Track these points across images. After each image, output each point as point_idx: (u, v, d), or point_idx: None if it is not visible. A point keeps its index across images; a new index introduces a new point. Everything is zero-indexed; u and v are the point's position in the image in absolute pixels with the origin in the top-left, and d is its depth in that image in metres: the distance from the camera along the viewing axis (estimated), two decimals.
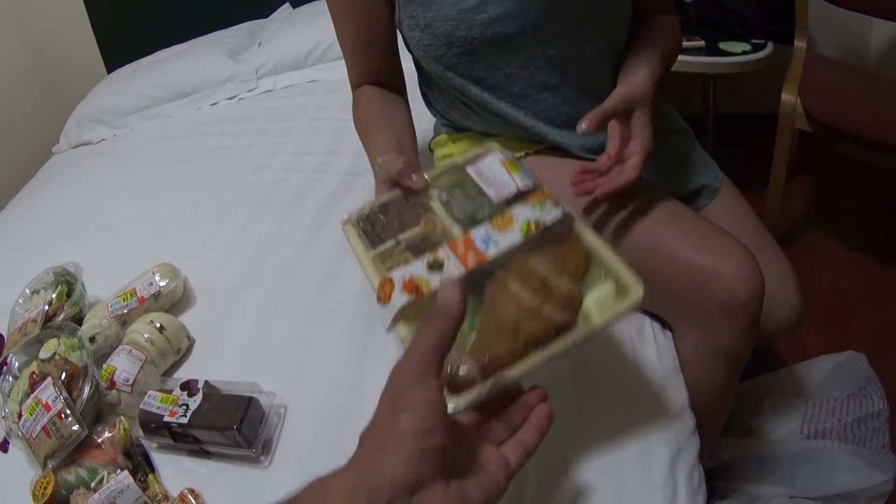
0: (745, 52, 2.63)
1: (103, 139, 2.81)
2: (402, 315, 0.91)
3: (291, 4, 3.27)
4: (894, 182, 2.98)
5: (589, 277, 0.94)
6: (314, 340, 1.35)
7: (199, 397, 1.16)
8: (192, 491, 1.09)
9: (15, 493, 1.16)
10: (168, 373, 1.35)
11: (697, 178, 1.54)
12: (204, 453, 1.16)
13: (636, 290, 0.89)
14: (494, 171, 1.06)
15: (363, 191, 1.81)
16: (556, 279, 0.92)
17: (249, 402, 1.14)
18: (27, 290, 1.56)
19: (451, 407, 0.80)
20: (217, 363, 1.36)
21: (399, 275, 0.93)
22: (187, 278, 1.55)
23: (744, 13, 2.73)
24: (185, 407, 1.15)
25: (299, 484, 1.09)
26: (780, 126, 2.39)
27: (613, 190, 1.20)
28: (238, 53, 2.94)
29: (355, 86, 1.46)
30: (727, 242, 1.22)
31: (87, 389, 1.22)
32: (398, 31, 1.38)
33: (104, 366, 1.27)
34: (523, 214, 0.96)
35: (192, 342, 1.41)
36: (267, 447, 1.15)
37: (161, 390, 1.20)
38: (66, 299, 1.48)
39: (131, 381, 1.24)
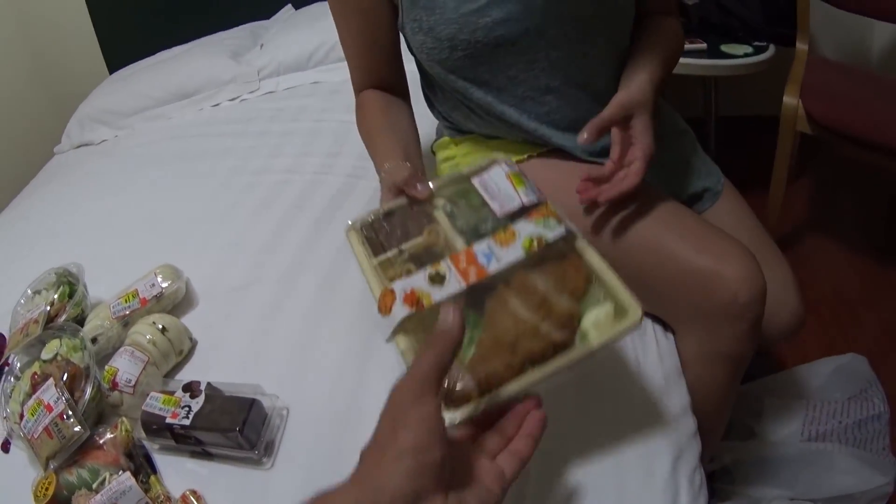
0: (746, 55, 2.63)
1: (105, 140, 2.81)
2: (401, 327, 0.91)
3: (293, 6, 3.27)
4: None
5: (588, 297, 0.94)
6: (317, 342, 1.35)
7: (201, 399, 1.16)
8: (194, 492, 1.09)
9: (16, 494, 1.16)
10: (170, 374, 1.35)
11: (699, 181, 1.55)
12: (206, 455, 1.16)
13: (634, 313, 0.90)
14: (499, 183, 1.06)
15: (365, 193, 1.81)
16: (556, 297, 0.92)
17: (252, 403, 1.14)
18: (29, 291, 1.56)
19: (447, 420, 0.81)
20: (219, 365, 1.36)
21: (400, 286, 0.93)
22: (189, 280, 1.55)
23: (745, 15, 2.73)
24: (187, 408, 1.15)
25: (301, 486, 1.10)
26: (782, 128, 2.39)
27: (617, 195, 1.21)
28: (240, 55, 2.94)
29: (358, 89, 1.46)
30: (729, 245, 1.22)
31: (88, 390, 1.22)
32: (401, 35, 1.38)
33: (106, 367, 1.27)
34: (526, 230, 0.97)
35: (194, 343, 1.41)
36: (269, 449, 1.15)
37: (163, 392, 1.20)
38: (67, 300, 1.48)
39: (133, 383, 1.24)
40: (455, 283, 0.92)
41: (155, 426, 1.16)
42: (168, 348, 1.33)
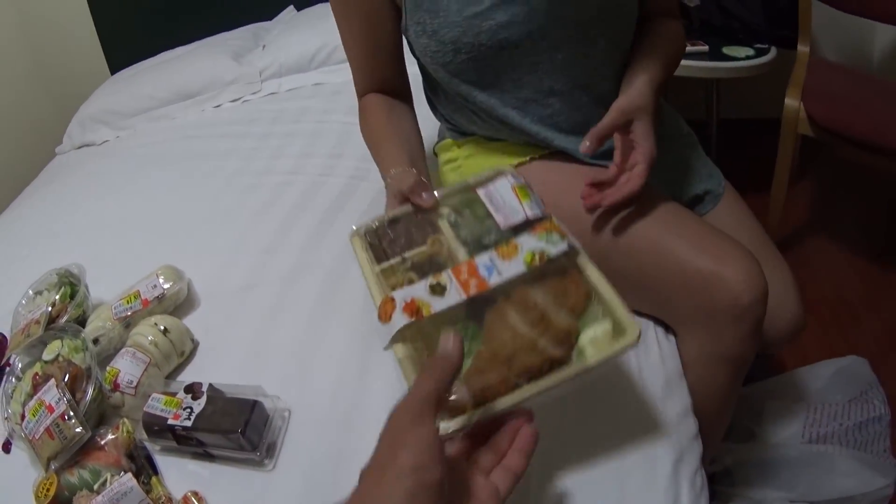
0: (748, 57, 2.63)
1: (106, 140, 2.81)
2: (400, 335, 0.92)
3: (295, 7, 3.27)
4: None
5: (588, 314, 0.95)
6: (319, 343, 1.35)
7: (203, 400, 1.16)
8: (195, 494, 1.09)
9: (17, 495, 1.16)
10: (172, 375, 1.35)
11: (700, 184, 1.55)
12: (208, 456, 1.17)
13: (632, 333, 0.89)
14: (504, 196, 1.07)
15: (367, 194, 1.81)
16: (555, 313, 0.92)
17: (254, 405, 1.14)
18: (30, 292, 1.56)
19: (441, 429, 0.82)
20: (221, 366, 1.36)
21: (401, 295, 0.94)
22: (191, 281, 1.55)
23: (747, 18, 2.73)
24: (189, 410, 1.15)
25: (303, 488, 1.10)
26: (784, 130, 2.39)
27: (620, 199, 1.22)
28: (242, 56, 2.93)
29: (361, 93, 1.46)
30: (731, 246, 1.22)
31: (90, 391, 1.22)
32: (404, 38, 1.38)
33: (108, 368, 1.27)
34: (529, 244, 0.97)
35: (195, 345, 1.41)
36: (271, 450, 1.15)
37: (165, 393, 1.20)
38: (69, 301, 1.48)
39: (135, 384, 1.24)
40: (455, 295, 0.93)
41: (156, 427, 1.16)
42: (170, 349, 1.33)
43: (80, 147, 2.86)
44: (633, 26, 1.38)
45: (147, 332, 1.33)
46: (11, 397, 1.31)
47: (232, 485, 1.13)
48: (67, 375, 1.25)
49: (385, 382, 1.23)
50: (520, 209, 1.04)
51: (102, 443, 1.16)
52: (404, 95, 1.47)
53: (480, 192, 1.09)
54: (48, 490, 1.11)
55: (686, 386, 1.26)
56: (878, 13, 2.50)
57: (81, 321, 1.46)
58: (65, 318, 1.44)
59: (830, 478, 1.69)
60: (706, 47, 2.68)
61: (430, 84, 1.49)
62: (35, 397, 1.23)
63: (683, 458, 1.12)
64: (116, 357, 1.30)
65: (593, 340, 0.91)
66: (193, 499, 1.08)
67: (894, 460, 1.74)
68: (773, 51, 2.67)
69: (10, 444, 1.28)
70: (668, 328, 1.34)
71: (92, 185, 2.34)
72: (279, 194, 1.90)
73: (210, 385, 1.20)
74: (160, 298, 1.45)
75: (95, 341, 1.37)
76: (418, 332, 0.94)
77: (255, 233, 1.74)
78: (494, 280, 0.93)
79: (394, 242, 1.11)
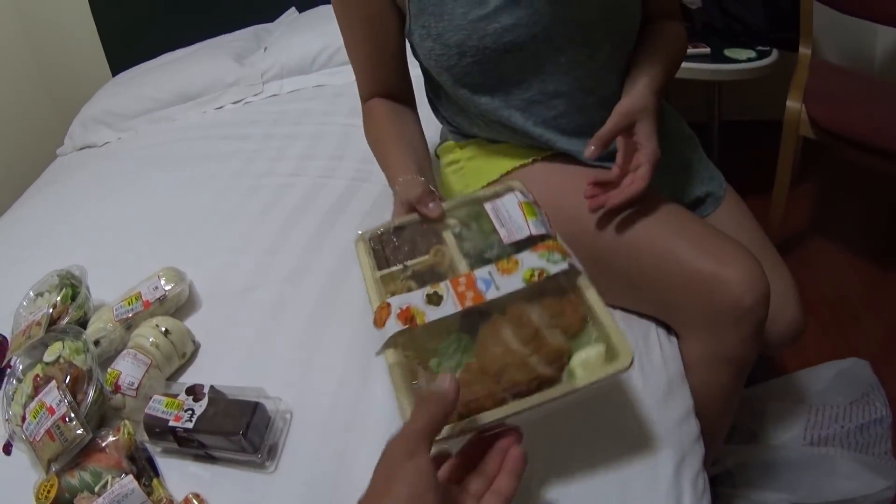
0: (750, 59, 2.63)
1: (108, 142, 2.81)
2: (392, 342, 0.93)
3: (297, 9, 3.27)
4: None
5: (583, 335, 0.94)
6: (320, 345, 1.35)
7: (204, 402, 1.16)
8: (196, 496, 1.09)
9: (18, 497, 1.16)
10: (173, 377, 1.35)
11: (702, 186, 1.55)
12: (209, 458, 1.16)
13: (624, 358, 0.88)
14: (511, 211, 1.07)
15: (369, 196, 1.81)
16: (549, 332, 0.92)
17: (255, 407, 1.14)
18: (31, 293, 1.56)
19: None
20: (222, 368, 1.36)
21: (397, 302, 0.95)
22: (193, 282, 1.55)
23: (749, 20, 2.74)
24: (190, 412, 1.14)
25: (304, 490, 1.10)
26: (785, 132, 2.39)
27: (624, 200, 1.23)
28: (244, 57, 2.94)
29: (365, 98, 1.46)
30: (732, 248, 1.22)
31: (91, 393, 1.22)
32: (407, 42, 1.38)
33: (109, 370, 1.27)
34: (529, 262, 0.97)
35: (197, 346, 1.41)
36: (272, 452, 1.15)
37: (166, 395, 1.20)
38: (70, 302, 1.48)
39: (136, 386, 1.24)
40: (451, 306, 0.93)
41: (158, 429, 1.16)
42: (171, 351, 1.33)
43: (81, 148, 2.86)
44: (636, 28, 1.38)
45: (148, 333, 1.33)
46: (12, 399, 1.31)
47: (233, 487, 1.12)
48: (68, 377, 1.25)
49: (386, 385, 1.22)
50: (524, 226, 1.03)
51: (103, 444, 1.16)
52: (408, 99, 1.47)
53: (487, 207, 1.10)
54: (49, 492, 1.11)
55: (688, 388, 1.26)
56: (879, 15, 2.50)
57: (82, 323, 1.46)
58: (66, 320, 1.44)
59: (832, 480, 1.69)
60: (708, 49, 2.68)
61: (431, 86, 1.49)
62: (36, 399, 1.23)
63: (685, 460, 1.12)
64: (118, 359, 1.30)
65: (585, 362, 0.90)
66: (195, 500, 1.08)
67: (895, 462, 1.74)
68: (775, 53, 2.67)
69: (11, 445, 1.28)
70: (669, 330, 1.34)
71: (93, 187, 2.34)
72: (280, 196, 1.90)
73: (211, 387, 1.19)
74: (161, 300, 1.45)
75: (96, 343, 1.37)
76: (410, 340, 0.95)
77: (257, 234, 1.74)
78: (491, 294, 0.94)
79: (397, 250, 1.11)
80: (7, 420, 1.29)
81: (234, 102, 2.76)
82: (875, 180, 3.03)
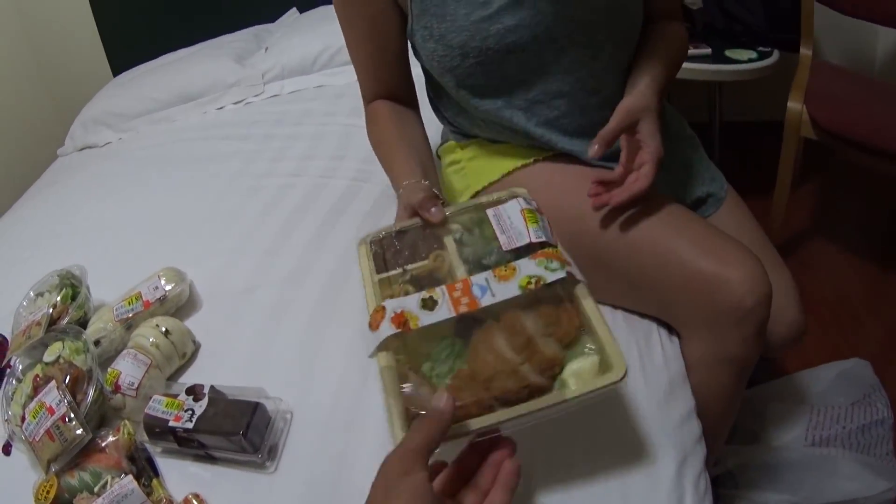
0: (751, 60, 2.63)
1: (108, 142, 2.81)
2: (385, 345, 0.93)
3: (298, 9, 3.27)
4: None
5: (577, 346, 0.93)
6: (321, 345, 1.35)
7: (204, 402, 1.16)
8: (196, 496, 1.09)
9: (18, 497, 1.16)
10: (173, 377, 1.34)
11: (703, 186, 1.54)
12: (209, 458, 1.16)
13: (618, 371, 0.87)
14: (513, 218, 1.06)
15: (370, 196, 1.81)
16: (543, 341, 0.91)
17: (255, 407, 1.13)
18: (32, 293, 1.55)
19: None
20: (223, 368, 1.35)
21: (392, 305, 0.95)
22: (193, 283, 1.55)
23: (750, 21, 2.74)
24: (190, 412, 1.14)
25: (305, 490, 1.10)
26: (786, 133, 2.39)
27: (628, 198, 1.23)
28: (245, 58, 2.94)
29: (368, 100, 1.46)
30: (734, 248, 1.22)
31: (91, 393, 1.22)
32: (409, 43, 1.38)
33: (109, 370, 1.27)
34: (527, 269, 0.96)
35: (197, 347, 1.41)
36: (273, 453, 1.15)
37: (166, 395, 1.19)
38: (70, 302, 1.48)
39: (136, 386, 1.24)
40: (445, 311, 0.93)
41: (158, 429, 1.15)
42: (171, 351, 1.33)
43: (81, 149, 2.86)
44: (638, 28, 1.38)
45: (148, 333, 1.33)
46: (12, 399, 1.31)
47: (233, 487, 1.12)
48: (68, 377, 1.24)
49: None
50: (525, 233, 1.03)
51: (103, 445, 1.16)
52: (411, 100, 1.47)
53: (490, 213, 1.09)
54: (48, 492, 1.11)
55: (689, 388, 1.26)
56: (880, 16, 2.49)
57: (83, 323, 1.46)
58: (66, 320, 1.44)
59: (833, 481, 1.69)
60: (709, 50, 2.69)
61: (433, 86, 1.49)
62: (35, 399, 1.22)
63: (687, 460, 1.12)
64: (118, 359, 1.29)
65: (578, 373, 0.90)
66: (194, 501, 1.08)
67: None
68: (776, 54, 2.67)
69: (11, 446, 1.28)
70: (671, 330, 1.34)
71: (94, 187, 2.34)
72: (281, 196, 1.90)
73: (212, 387, 1.19)
74: (162, 300, 1.45)
75: (97, 343, 1.37)
76: (404, 344, 0.95)
77: (257, 235, 1.74)
78: (486, 301, 0.93)
79: (398, 254, 1.11)
80: (7, 420, 1.29)
81: (235, 103, 2.76)
82: (876, 181, 3.03)
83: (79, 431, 1.14)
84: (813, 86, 2.41)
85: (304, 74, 2.78)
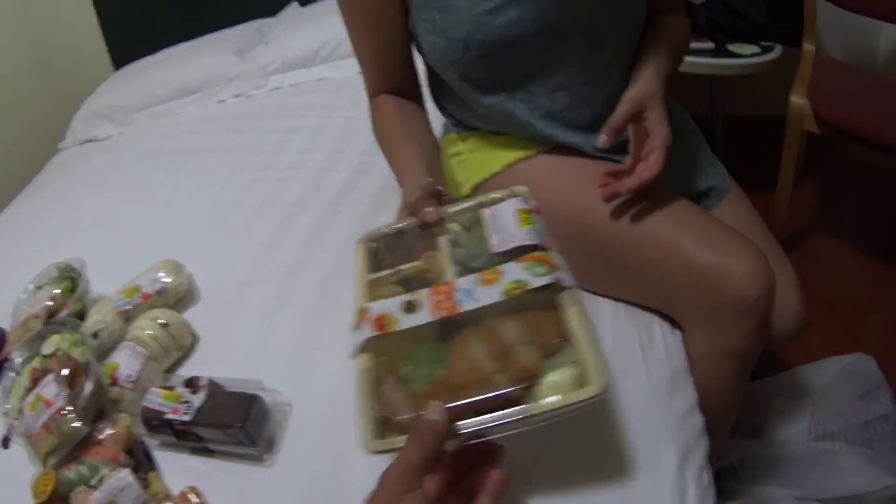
0: (753, 55, 2.63)
1: (110, 136, 2.81)
2: (365, 347, 0.92)
3: (300, 2, 3.26)
4: None
5: (560, 355, 0.87)
6: (319, 338, 1.35)
7: (202, 395, 1.15)
8: (193, 489, 1.08)
9: (16, 491, 1.15)
10: (172, 370, 1.34)
11: (705, 180, 1.54)
12: (207, 451, 1.16)
13: (595, 387, 0.81)
14: (507, 219, 1.02)
15: (369, 189, 1.81)
16: (521, 349, 0.87)
17: (253, 399, 1.13)
18: (31, 286, 1.55)
19: (369, 448, 0.83)
20: (221, 360, 1.35)
21: (376, 307, 0.94)
22: (192, 275, 1.55)
23: (752, 15, 2.73)
24: (188, 404, 1.14)
25: (303, 483, 1.09)
26: (789, 127, 2.38)
27: (638, 186, 1.22)
28: (246, 52, 2.94)
29: (372, 94, 1.45)
30: (738, 241, 1.22)
31: (89, 386, 1.22)
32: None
33: (107, 362, 1.27)
34: (513, 273, 0.92)
35: (196, 339, 1.41)
36: (270, 446, 1.14)
37: (164, 387, 1.19)
38: (69, 295, 1.47)
39: (134, 378, 1.24)
40: (425, 315, 0.91)
41: (155, 422, 1.15)
42: (169, 343, 1.33)
43: (82, 143, 2.86)
44: (642, 21, 1.37)
45: (146, 325, 1.32)
46: (10, 392, 1.30)
47: (231, 480, 1.12)
48: (66, 370, 1.24)
49: None
50: (516, 234, 0.99)
51: (101, 438, 1.16)
52: (415, 94, 1.46)
53: (485, 213, 1.06)
54: (46, 486, 1.11)
55: (692, 382, 1.25)
56: (883, 12, 2.48)
57: (82, 315, 1.46)
58: (65, 313, 1.44)
59: (837, 475, 1.68)
60: (711, 44, 2.68)
61: (434, 79, 1.48)
62: (33, 392, 1.22)
63: (690, 454, 1.11)
64: (115, 351, 1.29)
65: (556, 385, 0.83)
66: (191, 494, 1.07)
67: None
68: (779, 48, 2.67)
69: (9, 439, 1.28)
70: (673, 323, 1.34)
71: (94, 181, 2.34)
72: (281, 189, 1.90)
73: (209, 379, 1.19)
74: (161, 292, 1.44)
75: (95, 335, 1.37)
76: (385, 347, 0.93)
77: (257, 227, 1.74)
78: (467, 305, 0.90)
79: (393, 253, 1.10)
80: (5, 413, 1.29)
81: (236, 96, 2.76)
82: (878, 176, 3.02)
83: (76, 424, 1.14)
84: (816, 80, 2.40)
85: (305, 67, 2.78)
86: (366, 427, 0.86)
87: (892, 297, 2.43)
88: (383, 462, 0.75)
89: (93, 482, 1.09)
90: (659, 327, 1.32)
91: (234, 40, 3.04)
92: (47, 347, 1.31)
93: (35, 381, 1.25)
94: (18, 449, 1.24)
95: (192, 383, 1.18)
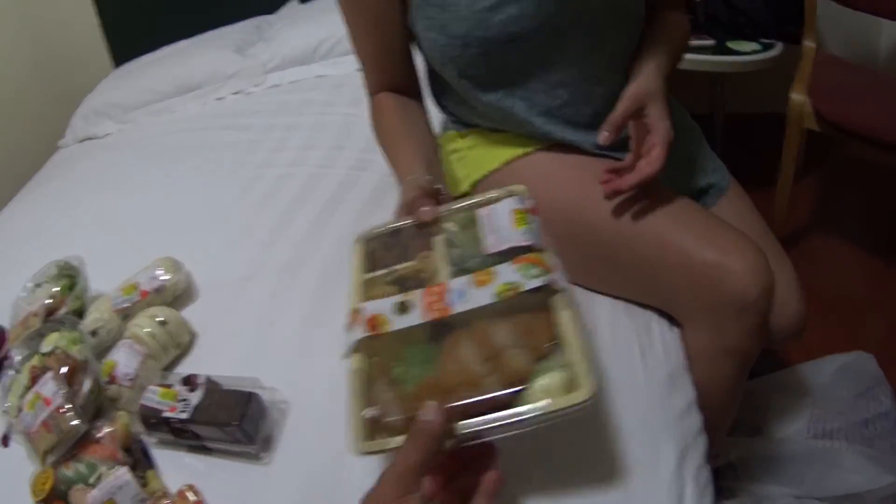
0: (753, 52, 2.62)
1: (109, 133, 2.81)
2: (357, 347, 0.93)
3: (299, 0, 3.27)
4: None
5: (552, 359, 0.86)
6: (317, 336, 1.35)
7: (199, 392, 1.15)
8: (191, 487, 1.08)
9: (16, 489, 1.16)
10: (170, 367, 1.34)
11: (704, 177, 1.54)
12: (204, 449, 1.16)
13: (584, 392, 0.80)
14: (503, 219, 1.01)
15: (368, 185, 1.81)
16: (514, 352, 0.86)
17: (250, 397, 1.13)
18: (30, 284, 1.55)
19: (358, 450, 0.84)
20: (219, 358, 1.35)
21: (370, 308, 0.94)
22: (190, 272, 1.55)
23: (752, 13, 2.72)
24: (185, 402, 1.14)
25: (300, 482, 1.09)
26: (790, 125, 2.38)
27: (640, 182, 1.21)
28: (245, 49, 2.94)
29: (373, 91, 1.45)
30: (737, 239, 1.22)
31: (87, 384, 1.22)
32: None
33: (105, 360, 1.27)
34: (505, 275, 0.91)
35: (193, 337, 1.41)
36: (268, 444, 1.14)
37: (162, 385, 1.19)
38: (68, 293, 1.47)
39: (132, 376, 1.24)
40: (416, 317, 0.91)
41: (153, 420, 1.15)
42: (167, 341, 1.33)
43: (82, 140, 2.86)
44: (642, 17, 1.37)
45: (145, 323, 1.32)
46: (10, 390, 1.30)
47: (228, 478, 1.12)
48: (65, 368, 1.24)
49: None
50: (511, 235, 0.98)
51: (99, 436, 1.16)
52: (415, 91, 1.46)
53: (481, 213, 1.05)
54: (45, 484, 1.11)
55: (690, 379, 1.25)
56: (884, 10, 2.48)
57: (80, 313, 1.46)
58: (64, 311, 1.44)
59: (837, 474, 1.68)
60: (712, 41, 2.68)
61: (433, 76, 1.47)
62: (32, 390, 1.22)
63: (688, 453, 1.11)
64: (114, 349, 1.29)
65: (546, 389, 0.82)
66: (189, 492, 1.07)
67: None
68: (779, 46, 2.66)
69: (9, 438, 1.28)
70: (672, 321, 1.33)
71: (94, 178, 2.35)
72: (280, 186, 1.90)
73: (207, 377, 1.19)
74: (159, 290, 1.44)
75: (94, 333, 1.37)
76: (378, 347, 0.93)
77: (256, 224, 1.74)
78: (459, 307, 0.90)
79: (389, 253, 1.09)
80: (5, 412, 1.29)
81: (235, 93, 2.76)
82: (879, 174, 3.01)
83: (75, 422, 1.14)
84: (816, 77, 2.40)
85: (305, 64, 2.78)
86: (356, 428, 0.86)
87: (892, 295, 2.43)
88: (380, 459, 0.75)
89: (91, 480, 1.09)
90: (657, 325, 1.32)
91: (233, 37, 3.04)
92: (46, 345, 1.31)
93: (34, 379, 1.25)
94: (18, 447, 1.24)
95: (189, 381, 1.18)
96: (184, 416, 1.12)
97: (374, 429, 0.85)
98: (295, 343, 1.35)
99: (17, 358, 1.35)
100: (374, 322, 0.92)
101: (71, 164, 2.61)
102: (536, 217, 1.02)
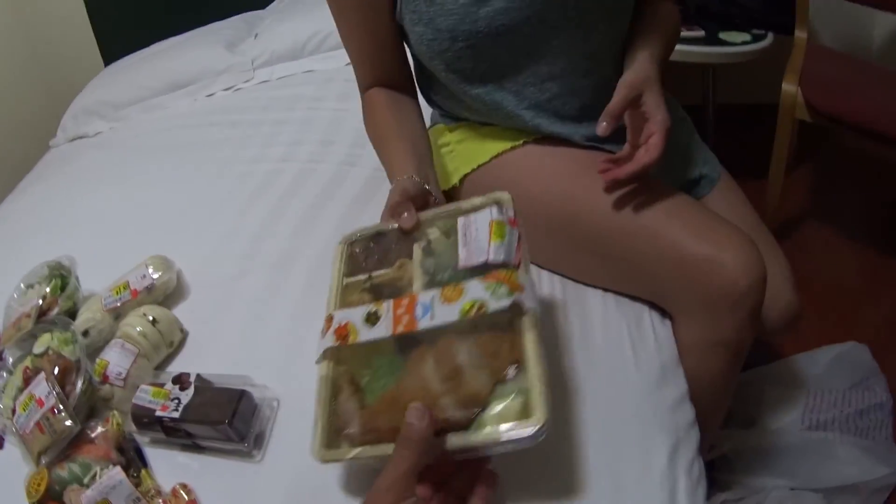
0: (745, 43, 2.63)
1: (100, 132, 2.79)
2: (328, 355, 0.94)
3: None
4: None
5: (511, 382, 0.84)
6: (308, 333, 1.33)
7: (190, 391, 1.15)
8: (184, 486, 1.08)
9: (11, 491, 1.15)
10: (161, 366, 1.34)
11: (696, 168, 1.54)
12: (197, 448, 1.16)
13: (534, 421, 0.79)
14: (479, 231, 0.99)
15: (358, 180, 1.81)
16: (474, 373, 0.84)
17: (241, 395, 1.12)
18: (22, 285, 1.55)
19: (318, 457, 0.86)
20: (211, 356, 1.35)
21: (341, 316, 0.95)
22: (181, 270, 1.54)
23: (744, 3, 2.73)
24: (176, 401, 1.13)
25: (292, 478, 1.09)
26: (781, 115, 2.38)
27: (638, 170, 1.21)
28: (235, 45, 2.93)
29: (364, 87, 1.44)
30: (729, 231, 1.21)
31: (79, 384, 1.21)
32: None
33: (97, 360, 1.27)
34: (474, 292, 0.89)
35: (185, 335, 1.40)
36: (259, 441, 1.14)
37: (153, 384, 1.19)
38: (60, 293, 1.47)
39: (124, 376, 1.23)
40: (383, 329, 0.91)
41: (145, 419, 1.15)
42: (159, 340, 1.32)
43: (73, 139, 2.84)
44: (630, 8, 1.37)
45: (136, 322, 1.32)
46: (3, 392, 1.30)
47: (221, 476, 1.11)
48: (57, 368, 1.23)
49: None
50: (484, 250, 0.95)
51: (93, 436, 1.16)
52: (408, 87, 1.45)
53: (460, 221, 1.02)
54: (39, 485, 1.10)
55: (682, 372, 1.25)
56: (876, 1, 2.48)
57: (72, 313, 1.45)
58: (55, 311, 1.43)
59: (831, 465, 1.68)
60: (702, 32, 2.68)
61: (421, 70, 1.47)
62: (25, 391, 1.22)
63: (680, 446, 1.11)
64: (106, 349, 1.29)
65: (501, 415, 0.82)
66: (182, 491, 1.07)
67: None
68: (770, 37, 2.67)
69: (3, 439, 1.27)
70: (664, 313, 1.33)
71: (85, 178, 2.33)
72: (270, 182, 1.90)
73: (198, 375, 1.18)
74: (150, 288, 1.44)
75: (85, 333, 1.36)
76: (347, 356, 0.94)
77: (246, 221, 1.74)
78: (425, 323, 0.89)
79: (368, 258, 1.09)
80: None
81: (225, 90, 2.75)
82: (871, 164, 3.02)
83: (68, 423, 1.14)
84: (808, 68, 2.40)
85: (294, 60, 2.78)
86: (318, 435, 0.88)
87: (886, 284, 2.43)
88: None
89: (85, 480, 1.09)
90: (649, 317, 1.32)
91: (223, 33, 3.03)
92: (38, 346, 1.31)
93: (27, 380, 1.25)
94: (13, 449, 1.23)
95: (180, 380, 1.17)
96: (175, 414, 1.11)
97: (337, 437, 0.87)
98: (285, 340, 1.34)
99: (10, 359, 1.35)
100: (342, 332, 0.93)
101: (62, 163, 2.60)
102: (515, 229, 1.00)
